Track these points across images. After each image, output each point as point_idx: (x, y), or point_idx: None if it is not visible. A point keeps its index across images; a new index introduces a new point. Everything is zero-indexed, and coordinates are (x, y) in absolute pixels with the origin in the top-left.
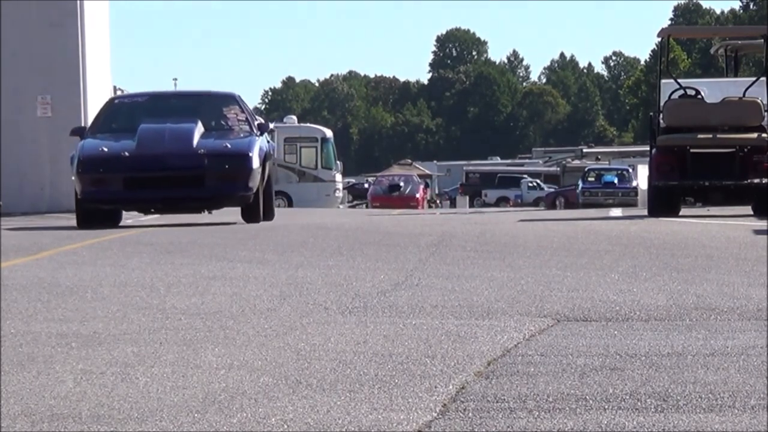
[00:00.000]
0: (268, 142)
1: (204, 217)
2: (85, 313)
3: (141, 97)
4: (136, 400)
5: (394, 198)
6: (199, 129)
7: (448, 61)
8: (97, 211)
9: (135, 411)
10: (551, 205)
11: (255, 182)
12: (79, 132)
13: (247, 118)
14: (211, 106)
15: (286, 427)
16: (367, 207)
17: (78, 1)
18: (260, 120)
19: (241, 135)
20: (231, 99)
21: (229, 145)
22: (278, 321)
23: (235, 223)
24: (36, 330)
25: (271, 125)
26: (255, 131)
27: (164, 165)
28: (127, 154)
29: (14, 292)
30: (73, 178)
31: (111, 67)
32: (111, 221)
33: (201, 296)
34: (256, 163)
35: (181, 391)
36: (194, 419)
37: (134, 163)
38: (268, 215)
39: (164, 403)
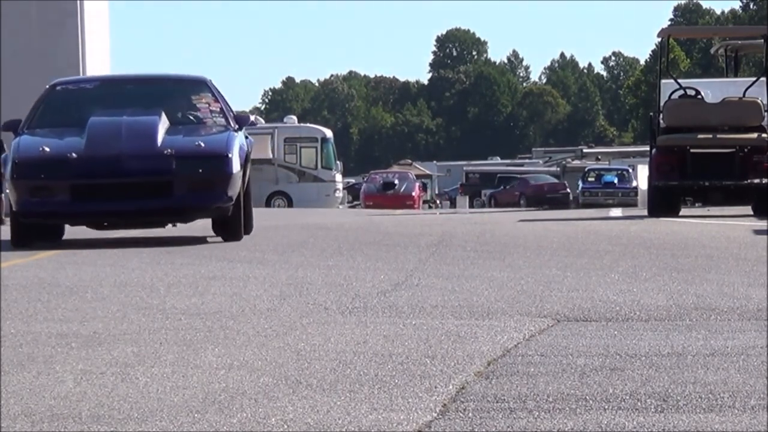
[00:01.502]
0: (246, 138)
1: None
2: (85, 313)
3: (89, 83)
4: (136, 400)
5: (388, 197)
6: (163, 123)
7: (448, 61)
8: (36, 225)
9: (135, 411)
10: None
11: (235, 190)
12: (13, 126)
13: (221, 109)
14: (176, 93)
15: (286, 427)
16: (360, 207)
17: (78, 1)
18: (235, 112)
19: (214, 130)
20: (201, 85)
21: (202, 144)
22: (278, 321)
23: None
24: (36, 330)
25: (252, 118)
26: (232, 125)
27: (121, 169)
28: (74, 155)
29: (14, 292)
30: (5, 184)
31: (111, 66)
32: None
33: (201, 296)
34: (236, 166)
35: (181, 391)
36: (194, 419)
37: (84, 167)
38: (248, 228)
39: (164, 403)
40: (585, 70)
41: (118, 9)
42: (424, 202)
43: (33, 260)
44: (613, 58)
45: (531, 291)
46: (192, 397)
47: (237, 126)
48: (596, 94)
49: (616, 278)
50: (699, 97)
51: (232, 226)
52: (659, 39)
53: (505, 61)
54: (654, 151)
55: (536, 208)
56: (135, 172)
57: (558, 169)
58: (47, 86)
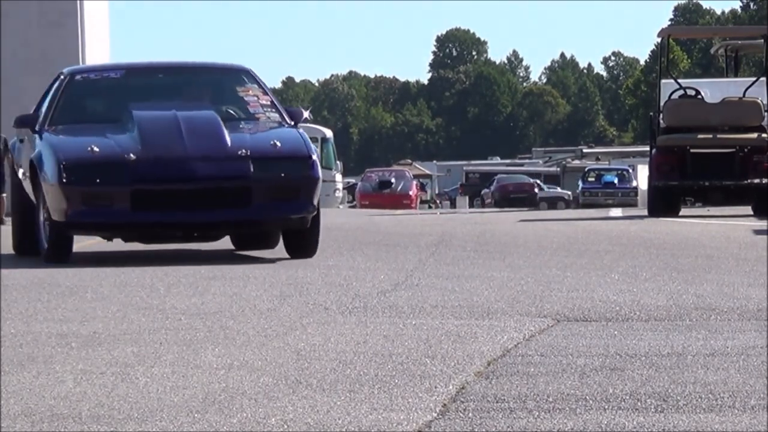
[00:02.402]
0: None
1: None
2: (85, 313)
3: (113, 71)
4: (136, 400)
5: (385, 196)
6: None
7: (448, 61)
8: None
9: (135, 411)
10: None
11: (318, 197)
12: (29, 122)
13: (272, 102)
14: (217, 84)
15: (286, 427)
16: (357, 207)
17: (78, 1)
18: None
19: (268, 127)
20: (244, 75)
21: (278, 144)
22: (278, 321)
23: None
24: (36, 330)
25: (305, 113)
26: (287, 121)
27: (190, 174)
28: (132, 156)
29: (14, 292)
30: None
31: None
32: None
33: (201, 296)
34: (319, 169)
35: (181, 391)
36: (194, 419)
37: (145, 171)
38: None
39: (164, 403)
40: (585, 70)
41: (118, 9)
42: (423, 202)
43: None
44: (613, 58)
45: (531, 291)
46: (192, 397)
47: (292, 122)
48: (596, 94)
49: (616, 278)
50: (699, 97)
51: (308, 240)
52: (659, 39)
53: (505, 61)
54: (654, 151)
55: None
56: (207, 176)
57: (558, 169)
58: (63, 75)
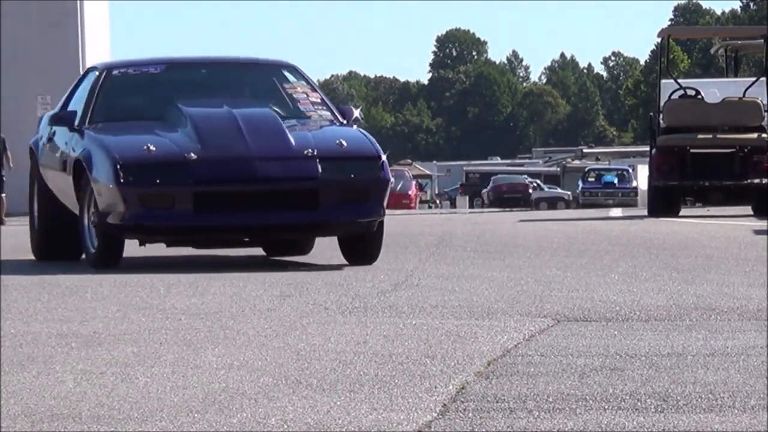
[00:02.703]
0: None
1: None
2: (85, 313)
3: (153, 66)
4: (136, 400)
5: None
6: None
7: (448, 61)
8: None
9: (135, 411)
10: None
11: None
12: (66, 120)
13: (322, 100)
14: (263, 80)
15: (286, 427)
16: None
17: (78, 1)
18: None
19: (321, 125)
20: (290, 70)
21: (344, 143)
22: (278, 321)
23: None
24: (36, 330)
25: (356, 112)
26: (339, 120)
27: (256, 174)
28: (193, 156)
29: (14, 292)
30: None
31: None
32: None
33: (201, 296)
34: (389, 170)
35: (181, 391)
36: (194, 419)
37: (207, 171)
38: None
39: (164, 403)
40: (585, 70)
41: (118, 9)
42: (423, 202)
43: (33, 260)
44: (613, 58)
45: (531, 291)
46: (192, 397)
47: (345, 120)
48: (596, 94)
49: (616, 278)
50: (699, 97)
51: (373, 246)
52: (659, 39)
53: (505, 61)
54: (654, 151)
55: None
56: (273, 177)
57: (558, 169)
58: (96, 71)
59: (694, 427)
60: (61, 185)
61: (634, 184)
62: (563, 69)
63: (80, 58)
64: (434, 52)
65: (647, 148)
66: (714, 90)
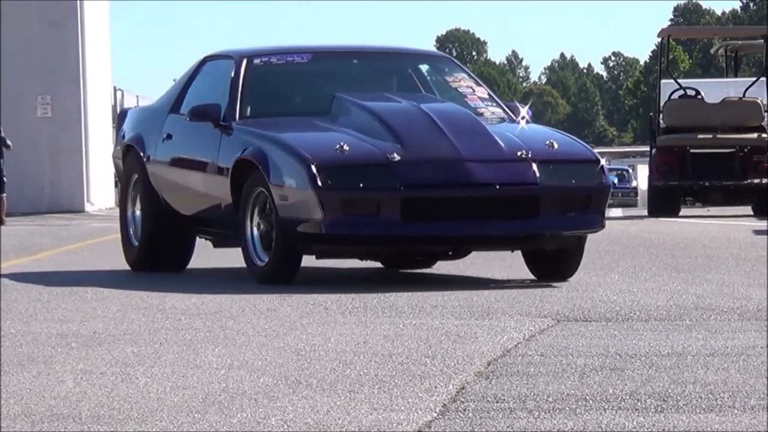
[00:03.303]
0: None
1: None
2: (85, 313)
3: (300, 56)
4: (136, 400)
5: None
6: None
7: None
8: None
9: (135, 411)
10: None
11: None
12: (213, 114)
13: (490, 95)
14: (420, 72)
15: (286, 427)
16: None
17: (78, 1)
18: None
19: (496, 122)
20: (449, 63)
21: (555, 144)
22: (278, 321)
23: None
24: (36, 330)
25: (524, 110)
26: (511, 117)
27: (471, 178)
28: (396, 157)
29: (14, 292)
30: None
31: (111, 67)
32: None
33: (201, 296)
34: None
35: (181, 391)
36: (194, 419)
37: (413, 175)
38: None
39: (164, 403)
40: (585, 70)
41: (118, 9)
42: None
43: (33, 260)
44: (613, 58)
45: (531, 291)
46: (192, 397)
47: (514, 118)
48: (596, 94)
49: (616, 278)
50: (699, 97)
51: (575, 260)
52: (659, 39)
53: (505, 61)
54: (654, 151)
55: None
56: (491, 182)
57: None
58: (232, 59)
59: (694, 427)
60: (198, 187)
61: (634, 184)
62: (563, 69)
63: (80, 58)
64: None
65: (647, 148)
66: (725, 89)
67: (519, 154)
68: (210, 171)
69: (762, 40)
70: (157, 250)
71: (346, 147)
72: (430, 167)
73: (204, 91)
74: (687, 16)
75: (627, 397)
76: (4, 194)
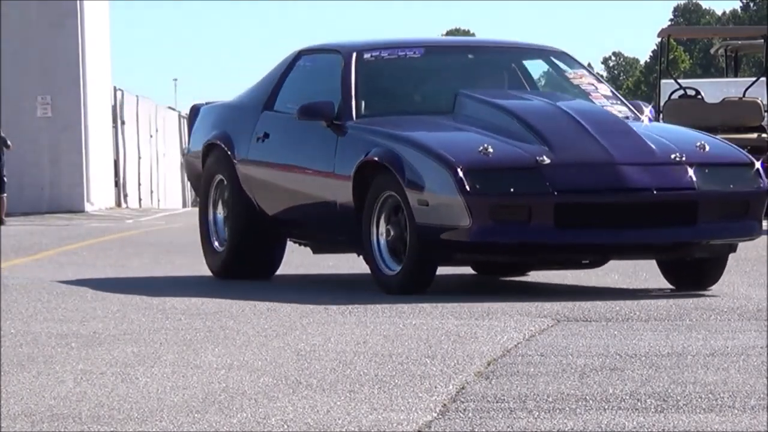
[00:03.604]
0: None
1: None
2: (85, 313)
3: (412, 50)
4: (136, 400)
5: None
6: None
7: None
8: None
9: (135, 411)
10: None
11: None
12: (327, 112)
13: (613, 93)
14: (538, 68)
15: (286, 427)
16: None
17: (78, 1)
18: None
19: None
20: (565, 59)
21: (706, 146)
22: (278, 321)
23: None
24: (36, 330)
25: (647, 109)
26: (637, 116)
27: (627, 183)
28: (546, 160)
29: (14, 292)
30: (410, 200)
31: (111, 67)
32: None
33: (201, 296)
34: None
35: (181, 391)
36: (194, 419)
37: (570, 178)
38: None
39: (164, 403)
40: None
41: (118, 9)
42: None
43: (33, 260)
44: (613, 58)
45: (531, 291)
46: (192, 397)
47: (640, 117)
48: None
49: (616, 278)
50: (699, 97)
51: (722, 268)
52: (659, 39)
53: None
54: None
55: None
56: (649, 187)
57: None
58: (341, 53)
59: (694, 427)
60: (308, 190)
61: None
62: None
63: (80, 58)
64: None
65: None
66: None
67: (673, 157)
68: (324, 173)
69: (762, 40)
70: (247, 255)
71: (490, 149)
72: (583, 171)
73: (304, 87)
74: (687, 16)
75: (627, 397)
76: (4, 194)
